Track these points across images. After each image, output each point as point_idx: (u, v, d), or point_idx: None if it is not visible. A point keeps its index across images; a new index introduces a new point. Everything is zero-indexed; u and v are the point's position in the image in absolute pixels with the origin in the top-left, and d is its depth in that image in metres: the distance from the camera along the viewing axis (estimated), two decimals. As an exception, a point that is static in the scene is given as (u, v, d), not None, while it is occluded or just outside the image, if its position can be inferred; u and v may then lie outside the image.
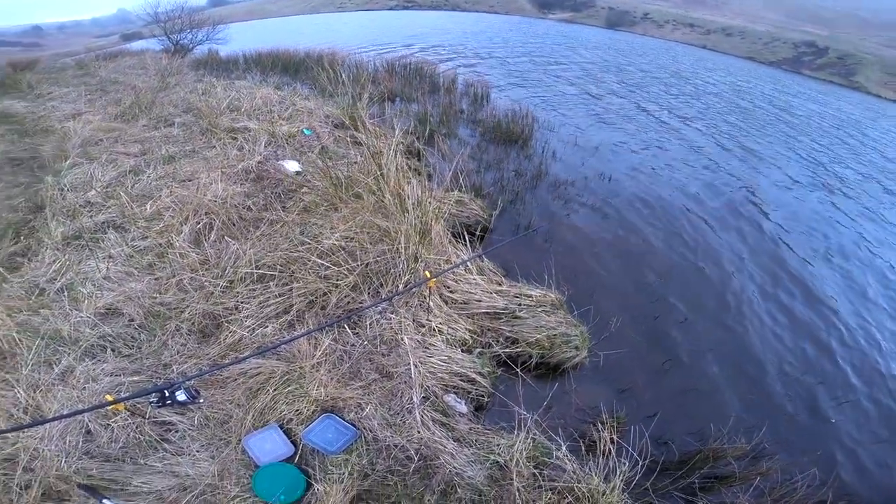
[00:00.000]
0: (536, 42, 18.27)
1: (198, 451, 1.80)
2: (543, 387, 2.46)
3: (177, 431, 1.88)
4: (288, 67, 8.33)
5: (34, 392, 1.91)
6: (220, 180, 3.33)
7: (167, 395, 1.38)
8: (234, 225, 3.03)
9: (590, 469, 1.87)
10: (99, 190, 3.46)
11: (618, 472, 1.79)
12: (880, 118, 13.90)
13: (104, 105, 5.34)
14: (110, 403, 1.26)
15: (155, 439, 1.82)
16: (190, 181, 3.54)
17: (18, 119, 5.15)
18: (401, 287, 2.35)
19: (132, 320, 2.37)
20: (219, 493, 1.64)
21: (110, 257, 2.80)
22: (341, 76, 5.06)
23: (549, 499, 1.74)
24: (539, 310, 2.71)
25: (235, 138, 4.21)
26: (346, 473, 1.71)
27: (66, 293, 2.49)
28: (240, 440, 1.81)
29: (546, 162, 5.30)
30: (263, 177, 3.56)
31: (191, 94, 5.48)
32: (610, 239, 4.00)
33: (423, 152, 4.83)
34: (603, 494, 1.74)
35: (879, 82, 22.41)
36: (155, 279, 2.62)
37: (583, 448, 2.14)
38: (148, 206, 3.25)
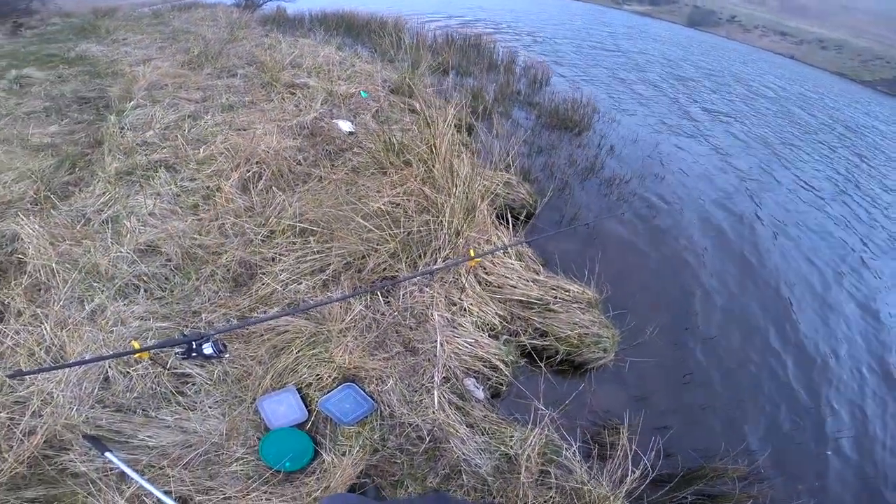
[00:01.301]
0: (605, 31, 17.20)
1: (210, 408, 1.72)
2: (562, 383, 2.38)
3: (193, 385, 1.80)
4: (351, 29, 8.30)
5: (61, 330, 1.84)
6: (275, 132, 3.36)
7: (193, 347, 1.34)
8: (282, 177, 3.07)
9: (597, 474, 1.80)
10: (157, 131, 3.58)
11: (625, 482, 1.72)
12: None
13: (174, 53, 5.52)
14: (136, 351, 1.21)
15: (171, 391, 1.74)
16: (245, 130, 3.61)
17: (92, 61, 5.40)
18: (440, 261, 2.30)
19: (169, 260, 2.34)
20: (223, 454, 1.59)
21: (158, 194, 2.84)
22: (404, 41, 4.94)
23: (553, 498, 1.68)
24: (574, 306, 2.58)
25: (294, 93, 4.25)
26: (358, 446, 1.69)
27: (110, 225, 2.49)
28: (254, 400, 1.76)
29: (601, 155, 5.02)
30: (316, 133, 3.58)
31: (256, 48, 5.56)
32: (657, 245, 3.76)
33: (475, 128, 4.68)
34: (606, 501, 1.66)
35: None
36: (198, 220, 2.64)
37: (594, 451, 2.08)
38: (201, 150, 3.33)
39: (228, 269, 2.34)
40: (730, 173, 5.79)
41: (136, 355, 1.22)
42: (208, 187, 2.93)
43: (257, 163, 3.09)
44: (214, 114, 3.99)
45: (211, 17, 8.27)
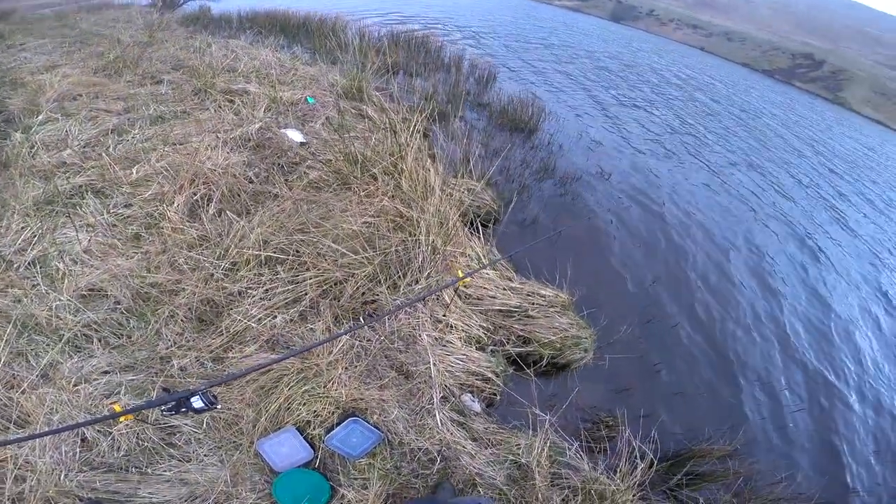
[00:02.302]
0: (538, 27, 17.83)
1: (206, 456, 1.65)
2: (548, 385, 2.49)
3: (182, 435, 1.70)
4: (286, 30, 7.79)
5: (13, 391, 1.65)
6: (219, 146, 3.06)
7: (183, 402, 1.25)
8: (235, 198, 2.81)
9: (601, 467, 1.93)
10: (76, 149, 3.12)
11: (633, 473, 1.84)
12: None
13: (84, 58, 4.81)
14: (119, 415, 1.09)
15: (160, 445, 1.65)
16: (182, 145, 3.26)
17: (-17, 70, 4.57)
18: (422, 281, 2.25)
19: (118, 303, 2.09)
20: (234, 501, 1.53)
21: (90, 226, 2.48)
22: (352, 43, 4.72)
23: (566, 497, 1.76)
24: (551, 310, 2.67)
25: (232, 101, 3.90)
26: (375, 478, 1.66)
27: (38, 268, 2.15)
28: (252, 443, 1.68)
29: (553, 154, 5.22)
30: (264, 145, 3.32)
31: (181, 51, 5.02)
32: (615, 240, 4.01)
33: (431, 133, 4.64)
34: (614, 493, 1.77)
35: (863, 100, 23.33)
36: (143, 254, 2.34)
37: (593, 447, 2.20)
38: (134, 171, 2.96)
39: (190, 308, 2.11)
40: (670, 163, 6.30)
41: (122, 418, 1.12)
42: (150, 214, 2.60)
43: (204, 183, 2.80)
44: (142, 127, 3.55)
45: (124, 19, 7.32)
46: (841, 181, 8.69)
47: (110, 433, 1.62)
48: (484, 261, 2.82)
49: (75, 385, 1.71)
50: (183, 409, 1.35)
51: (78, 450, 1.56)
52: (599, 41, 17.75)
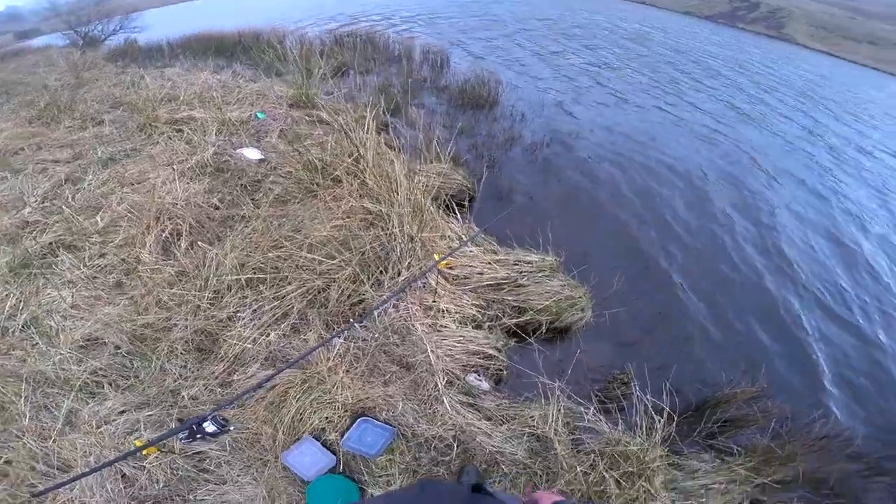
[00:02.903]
0: (475, 2, 17.57)
1: (239, 476, 1.72)
2: (553, 350, 2.47)
3: (211, 460, 1.76)
4: (222, 49, 7.54)
5: (47, 441, 1.75)
6: (176, 178, 2.97)
7: (195, 429, 1.39)
8: (203, 227, 2.74)
9: (621, 427, 1.91)
10: (35, 206, 3.01)
11: (654, 430, 1.81)
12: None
13: (14, 109, 4.62)
14: (141, 448, 1.19)
15: (193, 472, 1.72)
16: (140, 183, 3.16)
17: None
18: (404, 272, 2.23)
19: (118, 348, 2.14)
20: None
21: (70, 283, 2.47)
22: (291, 53, 4.59)
23: (593, 461, 1.75)
24: (540, 275, 2.68)
25: (180, 130, 3.78)
26: (396, 472, 1.68)
27: (33, 329, 2.20)
28: (277, 458, 1.74)
29: (516, 124, 5.19)
30: (223, 169, 3.23)
31: (115, 88, 4.83)
32: (592, 195, 4.02)
33: (391, 125, 4.57)
34: (639, 452, 1.75)
35: (807, 34, 23.75)
36: (129, 299, 2.35)
37: (609, 407, 2.16)
38: (99, 219, 2.88)
39: (187, 341, 2.13)
40: (629, 114, 6.32)
41: (144, 451, 1.22)
42: (125, 260, 2.56)
43: (170, 218, 2.72)
44: (96, 172, 3.44)
45: (45, 62, 7.01)
46: (807, 107, 8.84)
47: (144, 468, 1.69)
48: (465, 239, 2.80)
49: (98, 428, 1.79)
50: (199, 436, 1.51)
51: (122, 486, 1.65)
52: (545, 5, 17.60)
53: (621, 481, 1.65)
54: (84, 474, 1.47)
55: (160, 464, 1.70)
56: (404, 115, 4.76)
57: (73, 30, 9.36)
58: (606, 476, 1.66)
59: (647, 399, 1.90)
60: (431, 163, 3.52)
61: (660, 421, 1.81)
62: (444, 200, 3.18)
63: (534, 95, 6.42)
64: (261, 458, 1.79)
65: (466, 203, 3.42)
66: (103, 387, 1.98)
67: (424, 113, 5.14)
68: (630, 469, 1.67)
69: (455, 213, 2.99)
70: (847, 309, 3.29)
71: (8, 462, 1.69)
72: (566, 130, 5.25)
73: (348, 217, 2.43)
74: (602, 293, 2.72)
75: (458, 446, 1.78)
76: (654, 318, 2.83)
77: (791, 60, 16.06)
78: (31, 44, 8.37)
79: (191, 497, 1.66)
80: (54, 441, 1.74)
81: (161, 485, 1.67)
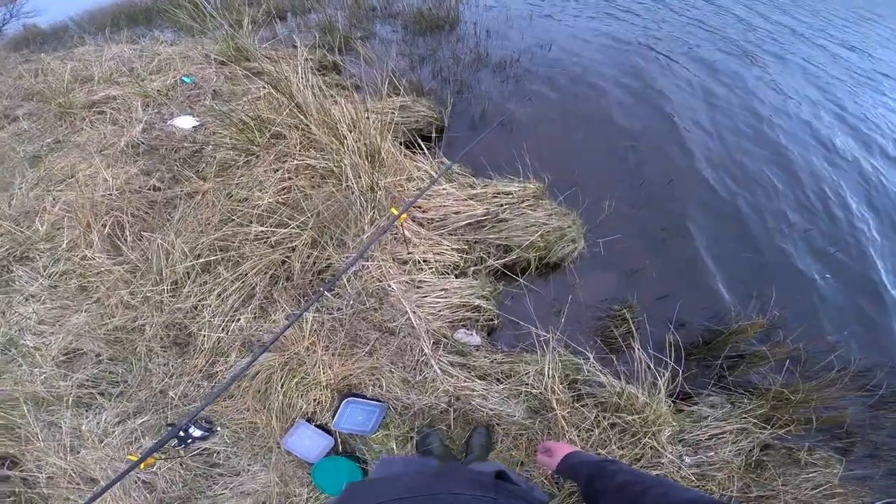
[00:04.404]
0: None
1: (249, 465, 1.73)
2: (546, 289, 2.27)
3: (219, 454, 1.77)
4: (136, 17, 6.64)
5: (69, 456, 1.78)
6: (105, 167, 2.63)
7: (183, 435, 1.42)
8: (147, 213, 2.45)
9: (623, 378, 1.73)
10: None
11: (659, 386, 1.66)
12: None
13: None
14: (137, 463, 1.17)
15: (205, 468, 1.74)
16: (72, 177, 2.82)
17: None
18: (367, 229, 1.96)
19: (99, 356, 2.08)
20: (294, 498, 1.63)
21: (32, 296, 2.33)
22: (203, 7, 3.93)
23: (597, 416, 1.62)
24: (524, 206, 2.40)
25: (103, 112, 3.32)
26: (395, 445, 1.64)
27: (14, 351, 2.14)
28: (279, 444, 1.73)
29: (482, 43, 4.58)
30: (156, 145, 2.85)
31: (20, 80, 4.25)
32: (572, 109, 3.58)
33: (342, 64, 4.03)
34: (648, 406, 1.61)
35: None
36: (96, 302, 2.22)
37: (611, 351, 2.00)
38: (39, 224, 2.61)
39: (161, 338, 2.03)
40: (601, 20, 5.59)
41: (142, 465, 1.20)
42: (77, 262, 2.34)
43: (107, 212, 2.43)
44: (24, 173, 3.08)
45: None
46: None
47: (156, 473, 1.72)
48: (434, 177, 2.50)
49: (101, 442, 1.79)
50: (189, 441, 1.55)
51: (146, 493, 1.69)
52: None
53: (625, 440, 1.55)
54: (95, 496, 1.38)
55: (170, 467, 1.72)
56: (354, 52, 4.19)
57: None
58: (612, 435, 1.55)
59: (650, 351, 1.74)
60: (389, 97, 3.10)
61: (663, 376, 1.64)
62: (409, 136, 2.82)
63: (499, 9, 5.66)
64: (265, 446, 1.77)
65: (434, 135, 3.05)
66: (95, 398, 1.94)
67: (378, 45, 4.54)
68: (635, 428, 1.55)
69: (422, 149, 2.64)
70: (863, 229, 2.83)
71: (50, 477, 1.74)
72: (537, 44, 4.64)
73: (296, 176, 2.12)
74: (594, 218, 2.46)
75: (455, 411, 1.66)
76: (653, 241, 2.52)
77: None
78: None
79: (210, 493, 1.69)
80: (70, 456, 1.76)
81: (181, 485, 1.71)
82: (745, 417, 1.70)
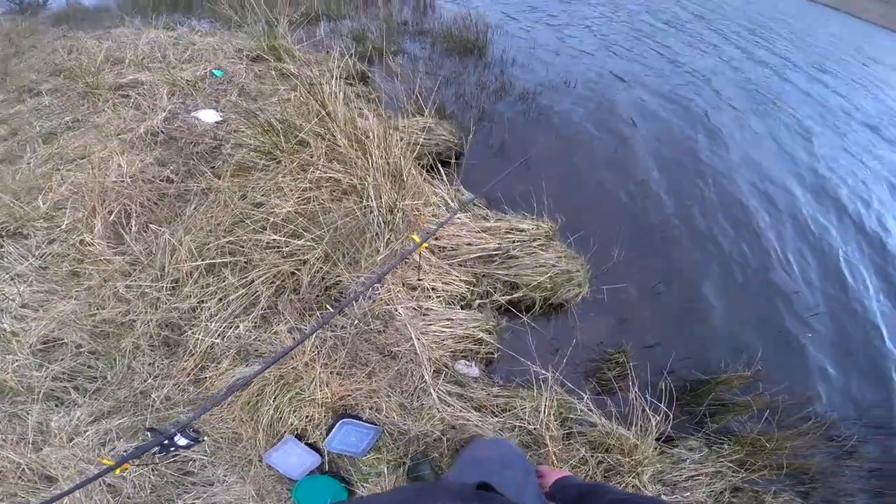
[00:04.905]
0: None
1: (225, 476, 1.65)
2: (547, 328, 2.29)
3: (195, 462, 1.69)
4: (177, 3, 6.72)
5: (30, 452, 1.65)
6: (120, 152, 2.61)
7: (167, 443, 1.37)
8: (156, 205, 2.43)
9: (615, 418, 1.79)
10: (-31, 192, 2.67)
11: (650, 430, 1.72)
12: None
13: None
14: (112, 469, 1.10)
15: (177, 476, 1.65)
16: (83, 158, 2.79)
17: None
18: (383, 249, 1.95)
19: (79, 347, 1.96)
20: None
21: (19, 276, 2.22)
22: (244, 1, 3.99)
23: (585, 454, 1.65)
24: (535, 245, 2.41)
25: (128, 96, 3.33)
26: (386, 469, 1.60)
27: None
28: (261, 458, 1.66)
29: (507, 71, 4.68)
30: (176, 136, 2.85)
31: (53, 55, 4.26)
32: (589, 151, 3.65)
33: (370, 76, 4.08)
34: (636, 448, 1.66)
35: None
36: (87, 290, 2.12)
37: (604, 392, 2.05)
38: (41, 202, 2.56)
39: (151, 336, 1.94)
40: (629, 60, 5.74)
41: (117, 471, 1.13)
42: (74, 245, 2.28)
43: (116, 199, 2.40)
44: (34, 148, 3.05)
45: None
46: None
47: (125, 477, 1.62)
48: (452, 205, 2.51)
49: (70, 441, 1.68)
50: (172, 449, 1.48)
51: (109, 497, 1.57)
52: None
53: (611, 478, 1.59)
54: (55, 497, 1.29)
55: (141, 472, 1.62)
56: (383, 64, 4.25)
57: (5, -5, 8.28)
58: (598, 473, 1.58)
59: (646, 398, 1.80)
60: (413, 117, 3.13)
61: (654, 419, 1.71)
62: (429, 160, 2.84)
63: (526, 40, 5.80)
64: (246, 458, 1.70)
65: (453, 161, 3.07)
66: (69, 392, 1.83)
67: (406, 60, 4.62)
68: (620, 467, 1.59)
69: (440, 174, 2.66)
70: (859, 294, 3.03)
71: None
72: (563, 78, 4.75)
73: (317, 188, 2.11)
74: (601, 264, 2.49)
75: (448, 441, 1.64)
76: (654, 292, 2.61)
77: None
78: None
79: (179, 501, 1.59)
80: (32, 452, 1.64)
81: (149, 491, 1.60)
82: (720, 461, 1.80)
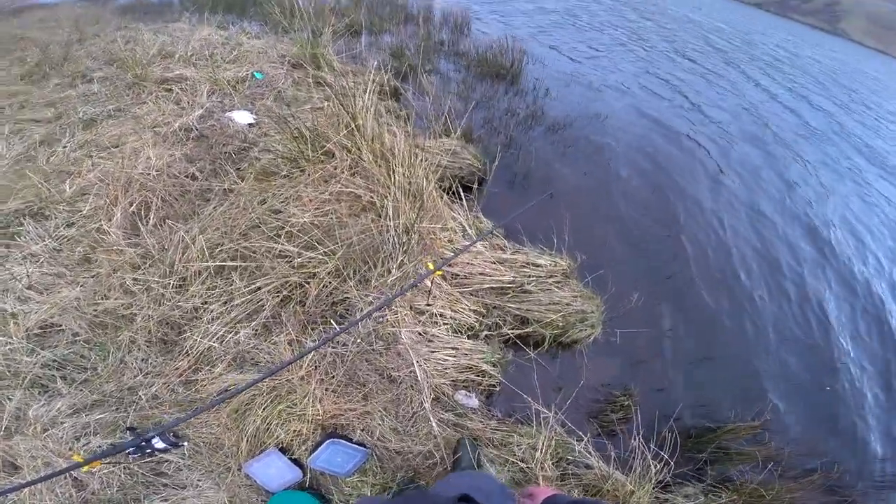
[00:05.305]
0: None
1: (199, 481, 1.60)
2: (553, 365, 2.21)
3: (170, 464, 1.64)
4: (233, 4, 7.07)
5: None
6: (152, 145, 2.68)
7: (144, 444, 1.30)
8: (176, 200, 2.46)
9: (613, 462, 1.70)
10: (3, 170, 2.77)
11: (649, 476, 1.63)
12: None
13: (5, 66, 4.34)
14: (81, 464, 1.05)
15: (150, 476, 1.60)
16: (116, 147, 2.88)
17: None
18: (395, 270, 1.91)
19: (76, 335, 1.93)
20: None
21: (32, 255, 2.24)
22: (299, 8, 4.13)
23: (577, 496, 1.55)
24: (550, 281, 2.34)
25: (171, 90, 3.45)
26: (368, 492, 1.57)
27: None
28: (240, 467, 1.61)
29: (540, 100, 4.68)
30: (208, 134, 2.91)
31: (111, 44, 4.49)
32: (619, 191, 3.57)
33: (401, 91, 4.14)
34: (632, 494, 1.58)
35: (863, 31, 21.52)
36: (93, 277, 2.11)
37: (606, 433, 1.97)
38: (67, 185, 2.63)
39: (149, 331, 1.92)
40: (663, 100, 5.69)
41: (85, 468, 1.08)
42: (92, 231, 2.31)
43: (139, 190, 2.45)
44: (73, 133, 3.17)
45: (52, 18, 6.68)
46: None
47: (94, 474, 1.56)
48: (470, 231, 2.46)
49: (44, 431, 1.63)
50: (148, 451, 1.41)
51: (73, 491, 1.53)
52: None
53: None
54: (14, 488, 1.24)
55: (111, 470, 1.57)
56: (417, 82, 4.31)
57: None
58: None
59: (649, 446, 1.72)
60: (440, 138, 3.13)
61: (655, 467, 1.62)
62: (451, 183, 2.82)
63: (562, 70, 5.84)
64: (223, 465, 1.65)
65: (475, 186, 3.04)
66: (56, 381, 1.78)
67: (438, 80, 4.68)
68: None
69: (461, 199, 2.62)
70: (885, 348, 2.91)
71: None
72: (595, 112, 4.72)
73: (337, 200, 2.10)
74: (617, 307, 2.41)
75: (441, 465, 1.59)
76: (668, 337, 2.52)
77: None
78: (40, 0, 7.95)
79: (146, 502, 1.54)
80: (5, 441, 1.59)
81: (117, 489, 1.55)
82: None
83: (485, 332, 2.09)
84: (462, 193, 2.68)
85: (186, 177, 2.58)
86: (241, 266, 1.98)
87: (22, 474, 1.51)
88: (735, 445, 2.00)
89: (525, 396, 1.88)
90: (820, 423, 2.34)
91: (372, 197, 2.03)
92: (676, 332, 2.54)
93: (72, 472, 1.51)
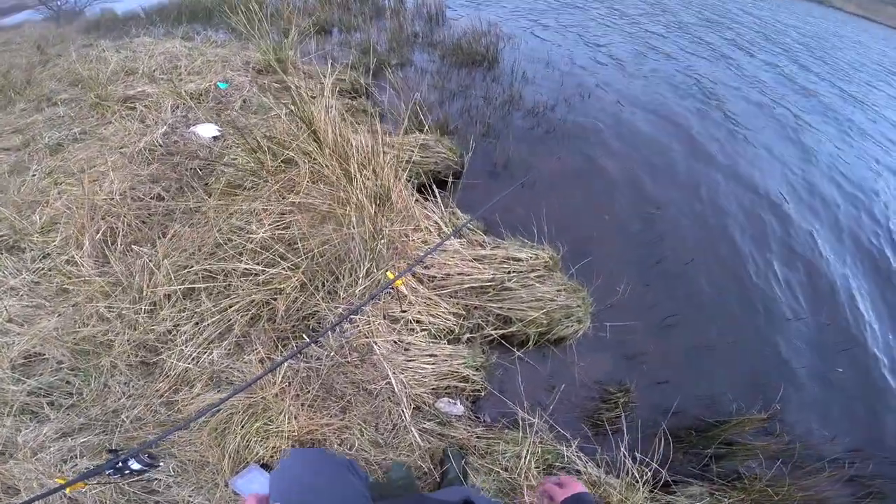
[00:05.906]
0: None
1: (191, 497, 1.61)
2: (542, 363, 2.12)
3: (160, 482, 1.66)
4: (198, 14, 6.91)
5: None
6: (114, 168, 2.60)
7: (121, 465, 1.27)
8: (144, 224, 2.39)
9: (604, 466, 1.66)
10: (-27, 204, 2.71)
11: (646, 476, 1.57)
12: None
13: None
14: (62, 487, 1.08)
15: (141, 495, 1.62)
16: (83, 172, 2.80)
17: None
18: (362, 280, 1.84)
19: (60, 363, 1.96)
20: None
21: (12, 289, 2.25)
22: (256, 12, 4.00)
23: None
24: (532, 276, 2.25)
25: (134, 108, 3.35)
26: None
27: None
28: (226, 483, 1.61)
29: (517, 84, 4.53)
30: (173, 151, 2.83)
31: (74, 64, 4.39)
32: (603, 172, 3.44)
33: (370, 89, 4.02)
34: (622, 502, 1.52)
35: None
36: (73, 307, 2.12)
37: (598, 435, 1.89)
38: (38, 216, 2.58)
39: (129, 355, 1.91)
40: (649, 79, 5.51)
41: (68, 489, 1.09)
42: (64, 262, 2.28)
43: (104, 216, 2.38)
44: (41, 160, 3.11)
45: (16, 39, 6.57)
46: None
47: (86, 493, 1.59)
48: (446, 230, 2.38)
49: (34, 455, 1.66)
50: (127, 472, 1.39)
51: None
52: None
53: None
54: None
55: (102, 490, 1.59)
56: (387, 78, 4.19)
57: (44, 3, 8.77)
58: None
59: (643, 445, 1.68)
60: (412, 132, 3.03)
61: (645, 474, 1.55)
62: (423, 179, 2.72)
63: (539, 52, 5.65)
64: (212, 481, 1.65)
65: (450, 180, 2.94)
66: (43, 407, 1.82)
67: (412, 73, 4.54)
68: None
69: (435, 196, 2.53)
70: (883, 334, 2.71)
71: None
72: (575, 93, 4.57)
73: (299, 211, 2.02)
74: (605, 298, 2.30)
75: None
76: (661, 326, 2.39)
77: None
78: (4, 22, 7.80)
79: None
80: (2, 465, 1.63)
81: None
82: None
83: (466, 335, 2.01)
84: (436, 190, 2.59)
85: (152, 198, 2.50)
86: (208, 287, 1.91)
87: (21, 497, 1.55)
88: (742, 440, 1.90)
89: (510, 403, 1.81)
90: (834, 411, 2.20)
91: (331, 204, 1.94)
92: (671, 320, 2.41)
93: (66, 494, 1.54)
